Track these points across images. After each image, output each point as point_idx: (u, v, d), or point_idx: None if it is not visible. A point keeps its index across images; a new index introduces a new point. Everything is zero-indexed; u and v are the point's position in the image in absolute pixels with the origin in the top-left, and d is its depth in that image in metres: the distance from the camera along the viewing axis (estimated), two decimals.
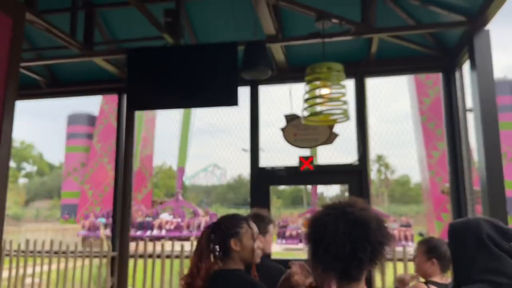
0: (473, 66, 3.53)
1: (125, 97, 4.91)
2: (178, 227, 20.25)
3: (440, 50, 4.22)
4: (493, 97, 3.46)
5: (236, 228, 1.97)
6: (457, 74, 4.21)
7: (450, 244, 1.67)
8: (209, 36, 4.35)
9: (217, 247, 1.99)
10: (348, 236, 1.31)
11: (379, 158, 37.70)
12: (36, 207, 33.98)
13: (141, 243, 5.01)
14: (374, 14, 3.82)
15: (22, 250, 5.67)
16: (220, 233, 1.98)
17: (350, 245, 1.30)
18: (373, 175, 38.25)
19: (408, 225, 18.28)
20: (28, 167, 44.27)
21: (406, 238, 16.99)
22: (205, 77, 3.79)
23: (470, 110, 3.91)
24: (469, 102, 3.91)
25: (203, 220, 20.58)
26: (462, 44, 3.82)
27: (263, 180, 4.55)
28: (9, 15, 2.90)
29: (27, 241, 5.71)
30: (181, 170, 22.97)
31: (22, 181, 42.70)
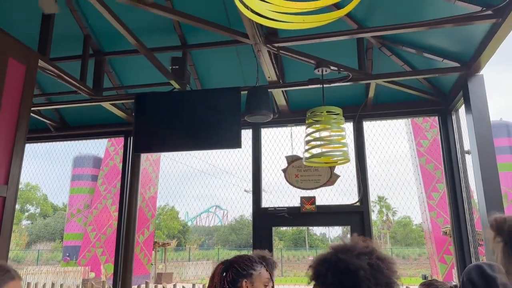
0: (468, 109, 3.64)
1: (131, 139, 5.04)
2: None
3: (436, 95, 4.35)
4: (490, 140, 3.54)
5: (250, 270, 1.95)
6: (453, 117, 4.32)
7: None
8: (214, 82, 4.53)
9: (227, 285, 1.92)
10: (339, 286, 1.30)
11: (381, 199, 37.28)
12: (37, 250, 33.54)
13: (142, 286, 4.97)
14: (371, 61, 3.99)
15: None
16: (234, 271, 1.94)
17: None
18: (374, 216, 37.68)
19: None
20: (32, 209, 44.10)
21: None
22: (209, 121, 3.92)
23: (468, 152, 3.99)
24: (467, 144, 4.00)
25: None
26: (457, 88, 3.95)
27: (265, 221, 4.57)
28: (22, 62, 3.06)
29: (28, 284, 5.67)
30: None
31: (25, 223, 42.38)
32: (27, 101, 3.08)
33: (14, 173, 2.93)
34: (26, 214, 43.41)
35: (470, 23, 3.00)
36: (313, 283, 1.42)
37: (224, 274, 1.95)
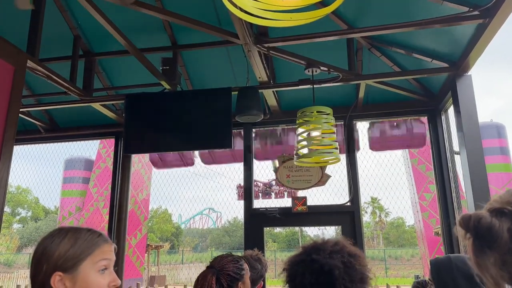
0: (457, 109, 3.67)
1: (122, 141, 5.01)
2: None
3: (426, 95, 4.38)
4: (478, 139, 3.56)
5: (242, 272, 2.00)
6: (443, 117, 4.35)
7: (438, 283, 1.69)
8: (204, 82, 4.52)
9: None
10: (316, 286, 1.32)
11: (374, 200, 37.35)
12: (29, 253, 33.20)
13: None
14: (361, 62, 4.01)
15: None
16: (228, 279, 1.94)
17: None
18: (367, 217, 37.77)
19: None
20: (23, 212, 43.67)
21: None
22: (200, 121, 3.91)
23: (458, 153, 4.02)
24: (456, 144, 4.03)
25: None
26: (446, 88, 3.98)
27: (257, 221, 4.57)
28: (11, 63, 3.03)
29: (18, 287, 5.61)
30: None
31: (16, 226, 41.93)
32: (15, 102, 3.05)
33: (2, 176, 2.90)
34: (17, 217, 42.98)
35: (457, 24, 3.03)
36: (287, 286, 1.43)
37: (218, 284, 1.93)
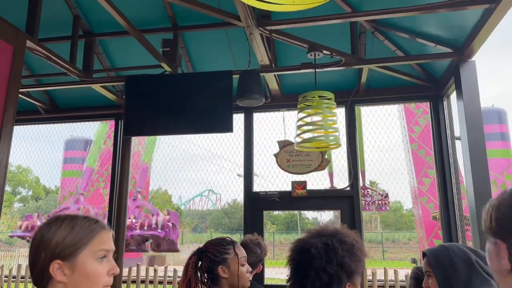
0: (459, 95, 3.65)
1: (122, 122, 4.99)
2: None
3: (428, 80, 4.35)
4: (480, 126, 3.55)
5: (223, 255, 1.94)
6: (445, 103, 4.33)
7: (437, 268, 1.71)
8: (205, 65, 4.48)
9: (205, 274, 1.94)
10: (297, 263, 1.43)
11: (372, 184, 37.52)
12: None
13: (133, 268, 5.00)
14: (364, 46, 3.96)
15: (14, 275, 5.62)
16: (207, 260, 1.93)
17: (300, 271, 1.41)
18: None
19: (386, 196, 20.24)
20: (24, 192, 43.89)
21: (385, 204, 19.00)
22: (201, 104, 3.88)
23: (459, 138, 4.01)
24: (457, 130, 4.02)
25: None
26: (449, 74, 3.95)
27: (256, 205, 4.59)
28: (10, 43, 3.00)
29: (19, 266, 5.67)
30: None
31: (17, 205, 42.19)
32: (15, 82, 3.03)
33: (2, 155, 2.90)
34: (18, 196, 43.21)
35: (463, 8, 2.98)
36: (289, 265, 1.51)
37: (199, 264, 1.95)
